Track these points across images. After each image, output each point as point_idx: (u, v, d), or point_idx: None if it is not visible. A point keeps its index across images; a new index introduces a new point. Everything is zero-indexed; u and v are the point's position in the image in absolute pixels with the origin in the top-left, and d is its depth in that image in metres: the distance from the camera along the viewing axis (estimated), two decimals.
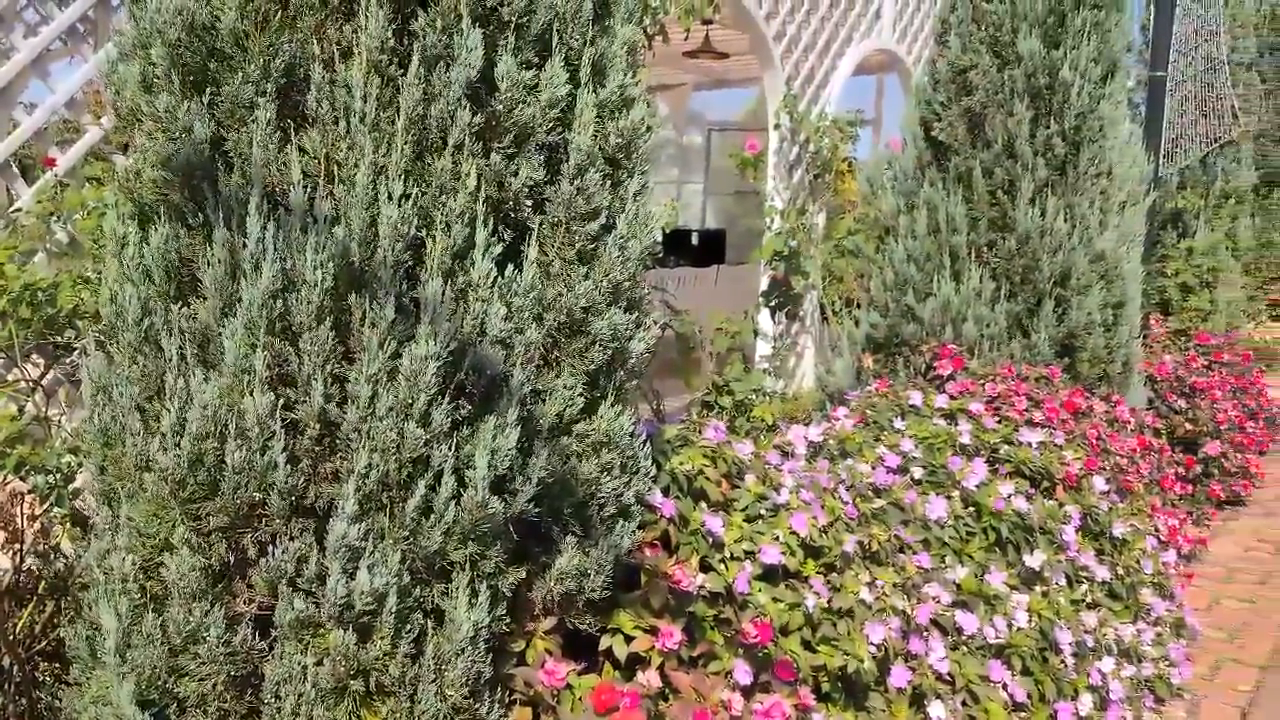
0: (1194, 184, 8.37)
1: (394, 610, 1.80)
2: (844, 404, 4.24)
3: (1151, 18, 6.75)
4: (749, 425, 3.78)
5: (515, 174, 1.99)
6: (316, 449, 1.83)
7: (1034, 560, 3.21)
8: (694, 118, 13.37)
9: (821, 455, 3.51)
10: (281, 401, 1.80)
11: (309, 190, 1.82)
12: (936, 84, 5.03)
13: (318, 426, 1.81)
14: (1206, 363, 6.48)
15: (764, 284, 6.13)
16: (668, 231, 5.34)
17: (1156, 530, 4.01)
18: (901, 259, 4.97)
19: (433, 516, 1.82)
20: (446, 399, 1.83)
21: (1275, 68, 11.73)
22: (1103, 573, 3.43)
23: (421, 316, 1.82)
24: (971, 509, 3.33)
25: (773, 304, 5.44)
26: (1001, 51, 4.77)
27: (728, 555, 2.48)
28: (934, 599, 2.82)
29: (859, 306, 5.33)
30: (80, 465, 2.66)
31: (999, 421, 3.95)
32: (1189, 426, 5.52)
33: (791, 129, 6.53)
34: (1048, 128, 4.67)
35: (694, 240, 11.79)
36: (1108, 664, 3.11)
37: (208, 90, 1.86)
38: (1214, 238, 8.11)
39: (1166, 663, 3.49)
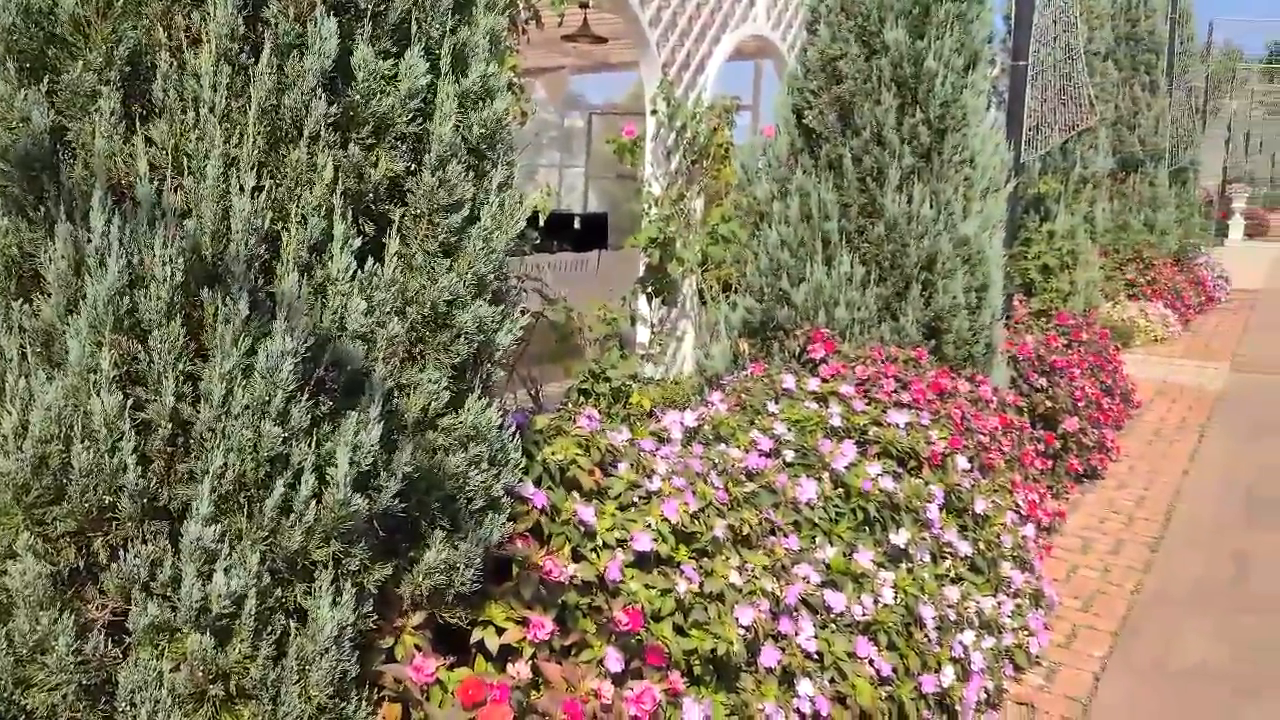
0: (1055, 170, 8.71)
1: (254, 612, 1.76)
2: (720, 388, 4.30)
3: (1014, 8, 6.97)
4: (625, 412, 3.80)
5: (375, 165, 1.97)
6: (169, 450, 1.78)
7: (900, 538, 3.31)
8: (575, 101, 13.35)
9: (697, 440, 3.55)
10: (131, 401, 1.74)
11: (157, 182, 1.77)
12: (807, 72, 5.12)
13: (170, 426, 1.76)
14: (1066, 342, 6.75)
15: (642, 270, 6.17)
16: (547, 216, 5.32)
17: (1017, 505, 4.18)
18: (775, 245, 5.05)
19: (292, 516, 1.79)
20: (306, 396, 1.80)
21: (1130, 57, 12.26)
22: (965, 548, 3.56)
23: (278, 312, 1.78)
24: (841, 490, 3.42)
25: (649, 290, 5.48)
26: (869, 41, 4.87)
27: (600, 544, 2.50)
28: (804, 579, 2.89)
29: (736, 291, 5.40)
30: None
31: (868, 403, 4.05)
32: (1049, 404, 5.74)
33: (669, 114, 6.56)
34: (913, 116, 4.79)
35: (576, 224, 11.78)
36: (969, 636, 3.24)
37: (46, 78, 1.78)
38: (1073, 221, 8.45)
39: (1026, 633, 3.64)
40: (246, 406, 1.75)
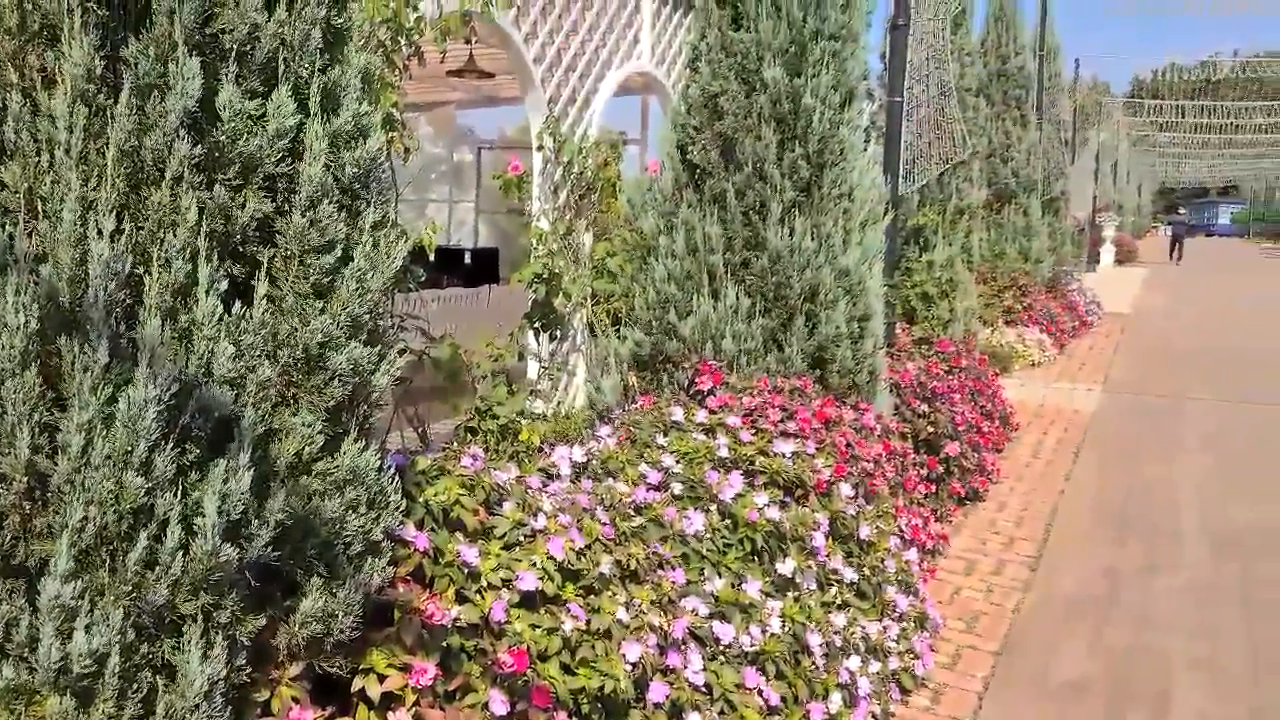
0: (933, 202, 9.00)
1: (118, 670, 1.70)
2: (610, 422, 4.31)
3: (888, 46, 7.21)
4: (514, 449, 3.78)
5: (242, 207, 1.93)
6: (25, 504, 1.71)
7: (786, 567, 3.35)
8: (464, 135, 13.30)
9: (586, 475, 3.55)
10: None
11: (10, 227, 1.70)
12: (690, 108, 5.20)
13: (26, 480, 1.69)
14: (947, 368, 6.95)
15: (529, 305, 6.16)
16: (435, 252, 5.27)
17: (900, 530, 4.27)
18: (663, 278, 5.10)
19: (158, 569, 1.73)
20: (171, 444, 1.75)
21: (1001, 92, 12.78)
22: (850, 574, 3.62)
23: (140, 358, 1.73)
24: (728, 521, 3.45)
25: (536, 325, 5.47)
26: (749, 79, 4.97)
27: (484, 585, 2.47)
28: (692, 612, 2.91)
29: (626, 324, 5.43)
30: None
31: (755, 434, 4.10)
32: (931, 429, 5.89)
33: (555, 149, 6.58)
34: (793, 151, 4.90)
35: (467, 259, 11.73)
36: (855, 662, 3.29)
37: None
38: (951, 251, 8.72)
39: (911, 655, 3.72)
40: (108, 457, 1.69)
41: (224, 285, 1.86)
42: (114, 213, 1.75)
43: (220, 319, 1.85)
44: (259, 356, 1.91)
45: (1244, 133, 40.11)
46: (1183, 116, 39.45)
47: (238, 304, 1.89)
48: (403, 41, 4.82)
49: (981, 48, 12.22)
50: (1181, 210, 48.13)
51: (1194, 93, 45.58)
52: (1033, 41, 14.27)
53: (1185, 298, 21.13)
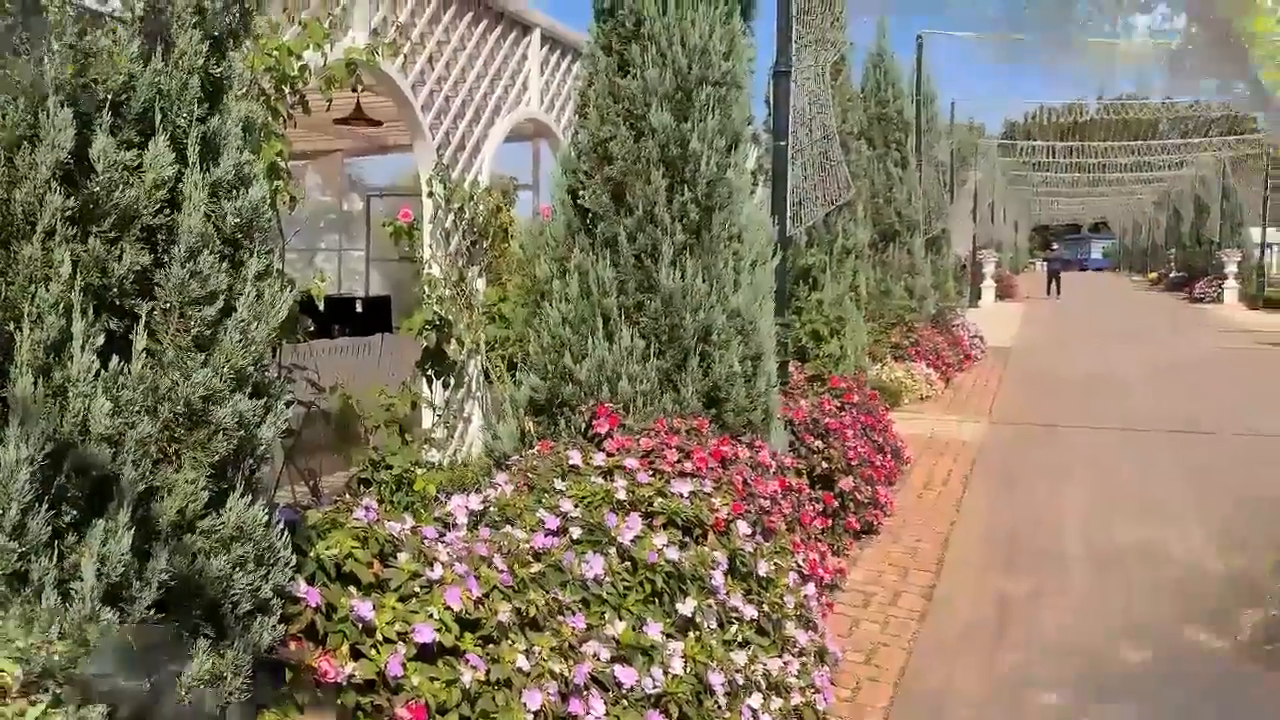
0: (820, 242, 9.22)
1: None
2: (507, 469, 4.28)
3: (772, 92, 7.38)
4: (409, 499, 3.73)
5: (119, 259, 1.88)
6: None
7: (687, 607, 3.36)
8: (353, 183, 13.16)
9: (484, 523, 3.52)
10: None
11: None
12: (580, 154, 5.24)
13: None
14: (839, 404, 7.08)
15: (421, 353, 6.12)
16: (325, 301, 5.20)
17: (798, 565, 4.32)
18: (557, 322, 5.11)
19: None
20: (46, 506, 1.69)
21: (882, 136, 13.21)
22: (750, 612, 3.65)
23: (11, 418, 1.67)
24: (628, 563, 3.45)
25: (429, 373, 5.42)
26: (637, 124, 5.04)
27: (380, 639, 2.42)
28: (594, 656, 2.89)
29: (522, 369, 5.41)
30: None
31: (653, 475, 4.12)
32: (825, 465, 6.00)
33: (446, 196, 6.57)
34: (683, 194, 4.98)
35: (358, 308, 11.57)
36: (757, 699, 3.30)
37: None
38: (840, 290, 8.94)
39: (812, 690, 3.74)
40: None
41: (100, 340, 1.81)
42: None
43: (97, 375, 1.79)
44: (138, 412, 1.85)
45: (1112, 171, 42.04)
46: (1054, 156, 41.17)
47: (115, 359, 1.84)
48: (287, 90, 4.78)
49: (862, 93, 12.61)
50: (1055, 245, 50.23)
51: (1064, 133, 47.60)
52: (910, 87, 14.78)
53: (1063, 330, 22.00)
